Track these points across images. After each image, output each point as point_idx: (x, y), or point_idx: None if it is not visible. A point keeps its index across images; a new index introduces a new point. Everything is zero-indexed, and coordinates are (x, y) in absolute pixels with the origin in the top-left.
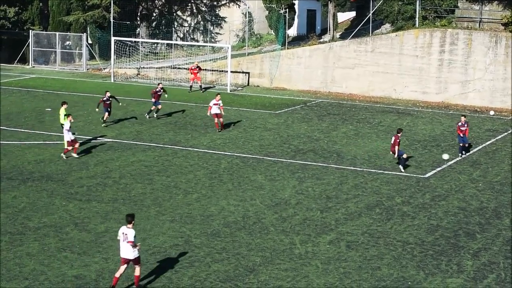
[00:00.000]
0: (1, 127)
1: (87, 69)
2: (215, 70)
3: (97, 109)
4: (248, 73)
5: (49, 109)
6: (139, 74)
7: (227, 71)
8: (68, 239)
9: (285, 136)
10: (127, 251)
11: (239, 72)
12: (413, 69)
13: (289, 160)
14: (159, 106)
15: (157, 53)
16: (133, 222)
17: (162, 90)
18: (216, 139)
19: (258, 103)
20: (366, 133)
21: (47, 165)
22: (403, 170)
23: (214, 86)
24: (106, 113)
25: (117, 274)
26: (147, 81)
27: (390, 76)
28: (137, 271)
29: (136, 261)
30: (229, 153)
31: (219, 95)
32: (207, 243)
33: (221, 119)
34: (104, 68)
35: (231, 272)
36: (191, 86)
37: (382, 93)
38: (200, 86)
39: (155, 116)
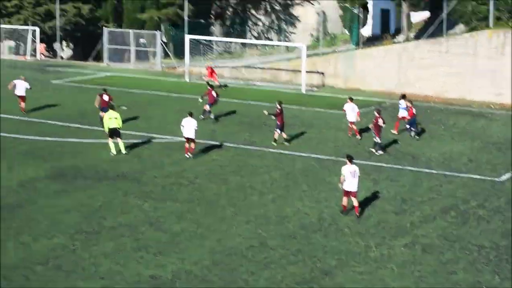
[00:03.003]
0: (76, 125)
1: (162, 68)
2: (289, 70)
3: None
4: (323, 73)
5: (125, 107)
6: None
7: (301, 71)
8: (144, 238)
9: (358, 138)
10: (353, 185)
11: (314, 72)
12: (487, 70)
13: (363, 162)
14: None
15: (231, 52)
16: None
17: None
18: (291, 140)
19: (333, 103)
20: (441, 135)
21: (122, 164)
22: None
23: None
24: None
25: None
26: (222, 80)
27: (464, 77)
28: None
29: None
30: (304, 154)
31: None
32: (282, 245)
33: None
34: (178, 66)
35: (306, 274)
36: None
37: (456, 94)
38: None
39: (212, 117)
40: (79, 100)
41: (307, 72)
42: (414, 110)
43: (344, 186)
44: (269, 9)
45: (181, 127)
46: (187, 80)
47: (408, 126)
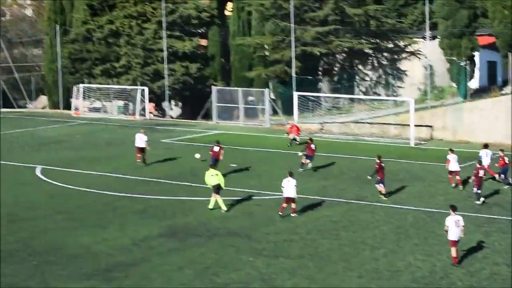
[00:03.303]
0: (187, 183)
1: (271, 125)
2: (398, 124)
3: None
4: (431, 126)
5: (234, 165)
6: (322, 129)
7: (410, 125)
8: None
9: (470, 190)
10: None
11: (422, 126)
12: None
13: (474, 214)
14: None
15: (340, 107)
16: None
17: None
18: (401, 193)
19: (442, 156)
20: None
21: (233, 221)
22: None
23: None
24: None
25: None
26: (331, 136)
27: None
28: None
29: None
30: (414, 208)
31: None
32: None
33: None
34: (287, 123)
35: None
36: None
37: None
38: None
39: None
40: (189, 158)
41: (415, 125)
42: (506, 159)
43: (449, 236)
44: (376, 64)
45: (282, 188)
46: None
47: (501, 176)
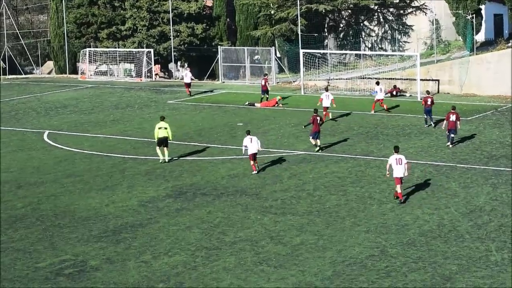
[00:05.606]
0: (194, 143)
1: (277, 83)
2: (404, 79)
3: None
4: (438, 80)
5: (241, 124)
6: (329, 85)
7: (416, 79)
8: (264, 252)
9: (477, 143)
10: (400, 171)
11: (429, 80)
12: None
13: (482, 167)
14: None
15: (346, 64)
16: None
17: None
18: (408, 147)
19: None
20: None
21: (241, 180)
22: None
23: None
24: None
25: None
26: (338, 92)
27: None
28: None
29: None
30: (422, 162)
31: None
32: (403, 253)
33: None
34: (294, 81)
35: (428, 281)
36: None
37: None
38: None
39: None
40: (195, 118)
41: (422, 80)
42: (429, 101)
43: (393, 174)
44: (382, 20)
45: (244, 147)
46: (302, 93)
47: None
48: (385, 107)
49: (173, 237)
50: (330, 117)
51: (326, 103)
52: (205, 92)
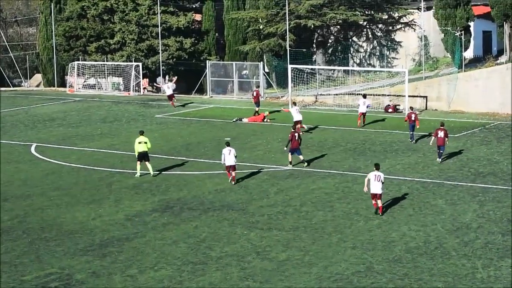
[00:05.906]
0: (181, 158)
1: (265, 98)
2: (392, 95)
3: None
4: (426, 97)
5: (228, 139)
6: (316, 101)
7: (404, 96)
8: (250, 268)
9: (465, 160)
10: (378, 188)
11: (417, 96)
12: None
13: (469, 184)
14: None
15: (334, 79)
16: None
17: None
18: (396, 164)
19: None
20: None
21: (228, 195)
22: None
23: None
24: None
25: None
26: (325, 108)
27: None
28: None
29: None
30: (409, 178)
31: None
32: (389, 269)
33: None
34: (281, 96)
35: None
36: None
37: None
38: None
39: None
40: (183, 133)
41: (410, 96)
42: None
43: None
44: (370, 36)
45: (222, 156)
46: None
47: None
48: (360, 121)
49: (159, 251)
50: (306, 128)
51: (298, 117)
52: (186, 104)
